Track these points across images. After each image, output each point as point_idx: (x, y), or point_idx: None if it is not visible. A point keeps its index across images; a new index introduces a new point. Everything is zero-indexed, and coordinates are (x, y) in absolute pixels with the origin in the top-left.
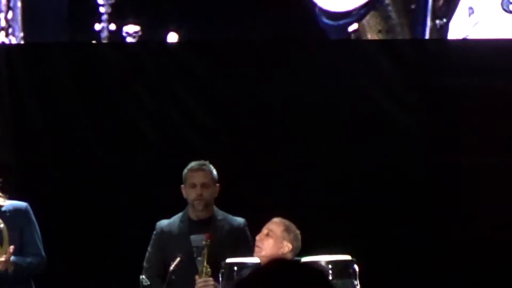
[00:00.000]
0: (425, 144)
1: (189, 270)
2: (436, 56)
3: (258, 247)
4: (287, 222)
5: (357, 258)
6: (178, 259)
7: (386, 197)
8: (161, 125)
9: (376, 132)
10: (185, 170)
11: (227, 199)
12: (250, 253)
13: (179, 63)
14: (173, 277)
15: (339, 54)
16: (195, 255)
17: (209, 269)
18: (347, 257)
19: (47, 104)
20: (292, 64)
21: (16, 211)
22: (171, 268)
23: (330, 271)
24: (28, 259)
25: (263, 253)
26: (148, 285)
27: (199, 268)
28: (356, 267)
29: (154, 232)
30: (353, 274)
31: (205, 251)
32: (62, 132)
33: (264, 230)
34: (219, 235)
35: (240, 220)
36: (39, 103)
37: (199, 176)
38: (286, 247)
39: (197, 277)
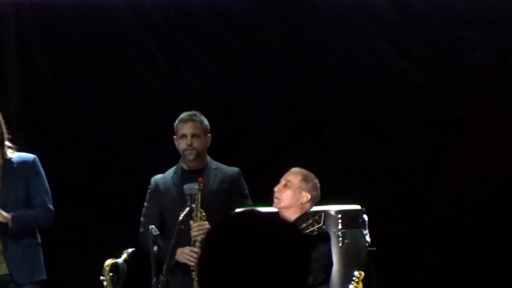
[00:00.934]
0: (434, 96)
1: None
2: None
3: (277, 198)
4: (305, 171)
5: (367, 209)
6: (187, 208)
7: (398, 148)
8: (168, 77)
9: (385, 84)
10: (176, 121)
11: (235, 151)
12: (245, 201)
13: (187, 17)
14: (182, 226)
15: (348, 10)
16: (189, 203)
17: (203, 213)
18: (357, 207)
19: (55, 58)
20: (300, 19)
21: (23, 163)
22: (180, 218)
23: (340, 221)
24: (32, 212)
25: (282, 204)
26: (157, 234)
27: (193, 214)
28: (365, 217)
29: (149, 187)
30: (362, 224)
31: (198, 195)
32: (70, 85)
33: (282, 181)
34: (212, 183)
35: (234, 169)
36: (47, 57)
37: (189, 126)
38: (305, 197)
39: (191, 222)
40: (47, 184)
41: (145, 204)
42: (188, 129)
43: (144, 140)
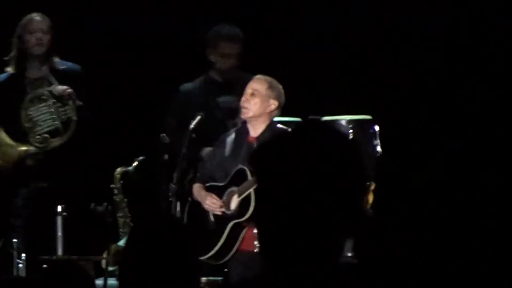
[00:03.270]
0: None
1: (213, 129)
2: None
3: (246, 108)
4: (269, 78)
5: (377, 119)
6: (198, 117)
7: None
8: None
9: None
10: (216, 34)
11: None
12: None
13: None
14: (193, 135)
15: None
16: (221, 117)
17: None
18: (368, 117)
19: None
20: None
21: (72, 72)
22: (191, 126)
23: (351, 131)
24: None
25: (251, 113)
26: (168, 142)
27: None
28: (376, 127)
29: (174, 96)
30: (373, 134)
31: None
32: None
33: (248, 90)
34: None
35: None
36: None
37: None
38: (273, 105)
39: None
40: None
41: (170, 113)
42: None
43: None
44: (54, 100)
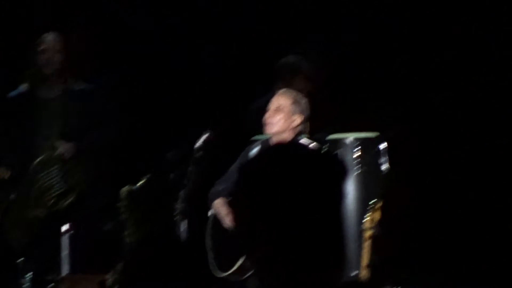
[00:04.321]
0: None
1: None
2: None
3: (270, 123)
4: (293, 93)
5: (384, 136)
6: (205, 135)
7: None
8: None
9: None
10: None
11: None
12: None
13: None
14: (201, 152)
15: None
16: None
17: None
18: (374, 134)
19: None
20: None
21: (88, 92)
22: (198, 144)
23: (357, 148)
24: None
25: (275, 129)
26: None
27: None
28: (383, 144)
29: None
30: (379, 151)
31: None
32: None
33: (273, 106)
34: None
35: None
36: None
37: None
38: (297, 120)
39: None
40: None
41: None
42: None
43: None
44: (62, 163)
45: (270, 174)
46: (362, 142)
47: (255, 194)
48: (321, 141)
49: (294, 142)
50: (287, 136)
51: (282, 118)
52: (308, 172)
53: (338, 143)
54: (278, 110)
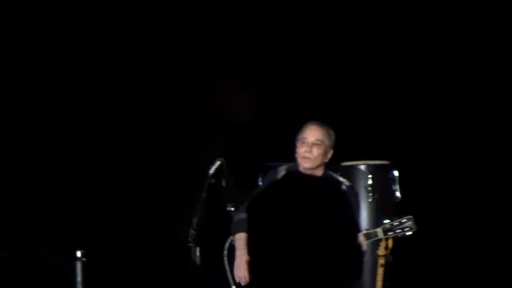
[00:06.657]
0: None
1: None
2: None
3: (308, 158)
4: (325, 126)
5: (398, 164)
6: (218, 163)
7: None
8: None
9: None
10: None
11: None
12: None
13: None
14: (213, 180)
15: None
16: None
17: None
18: (386, 162)
19: None
20: None
21: None
22: (211, 171)
23: (370, 175)
24: None
25: (315, 163)
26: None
27: None
28: (395, 172)
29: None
30: (392, 179)
31: None
32: None
33: (311, 139)
34: None
35: None
36: None
37: None
38: (330, 153)
39: None
40: None
41: None
42: None
43: None
44: None
45: (310, 206)
46: (375, 169)
47: (283, 222)
48: (335, 168)
49: (330, 177)
50: (321, 169)
51: (321, 154)
52: (341, 206)
53: (352, 169)
54: (315, 144)
